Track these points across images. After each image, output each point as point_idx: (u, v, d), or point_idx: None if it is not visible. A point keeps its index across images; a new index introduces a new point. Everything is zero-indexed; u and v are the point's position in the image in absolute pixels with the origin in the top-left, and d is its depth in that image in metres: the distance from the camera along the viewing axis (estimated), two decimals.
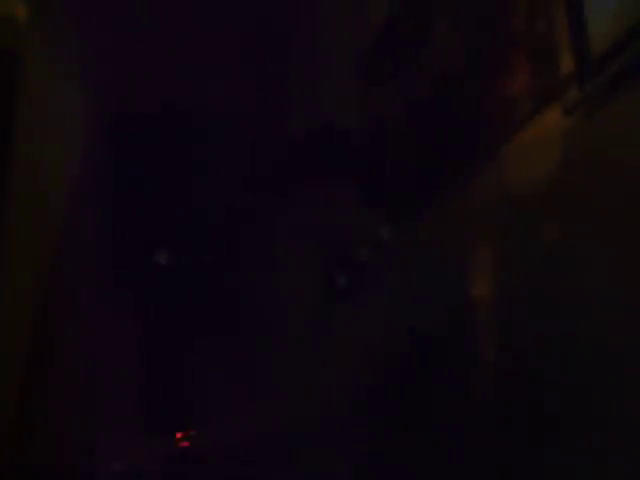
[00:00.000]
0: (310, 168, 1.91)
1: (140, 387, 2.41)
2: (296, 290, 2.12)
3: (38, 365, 2.47)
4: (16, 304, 2.47)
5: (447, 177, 2.19)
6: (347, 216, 1.95)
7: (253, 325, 2.45)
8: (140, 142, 2.59)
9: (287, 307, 2.31)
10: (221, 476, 1.61)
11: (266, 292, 2.40)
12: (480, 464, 1.78)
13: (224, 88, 2.93)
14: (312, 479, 1.80)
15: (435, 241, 2.19)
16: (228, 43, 3.05)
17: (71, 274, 2.59)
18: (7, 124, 2.63)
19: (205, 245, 2.49)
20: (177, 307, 2.42)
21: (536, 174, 1.77)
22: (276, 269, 2.45)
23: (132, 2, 2.93)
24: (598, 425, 1.54)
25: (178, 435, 1.68)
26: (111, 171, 2.62)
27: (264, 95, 2.85)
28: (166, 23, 2.97)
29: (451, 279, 1.97)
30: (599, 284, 1.53)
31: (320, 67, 3.02)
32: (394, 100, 2.46)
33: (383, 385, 1.76)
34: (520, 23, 1.84)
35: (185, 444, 1.67)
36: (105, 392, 2.39)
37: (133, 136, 2.61)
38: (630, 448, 1.42)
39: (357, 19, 2.81)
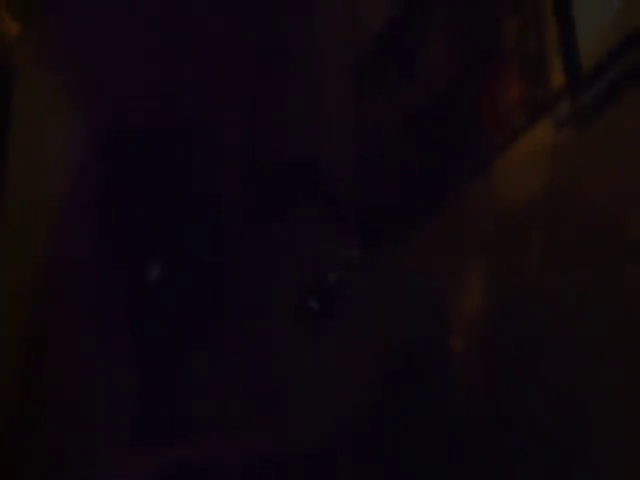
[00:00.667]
0: (285, 192, 1.93)
1: (135, 399, 2.44)
2: (278, 308, 2.15)
3: (34, 378, 2.47)
4: (12, 313, 2.51)
5: (436, 192, 2.21)
6: (318, 240, 1.97)
7: (241, 339, 2.47)
8: (133, 155, 2.63)
9: (270, 323, 2.35)
10: None
11: (251, 309, 2.41)
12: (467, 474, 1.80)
13: (215, 102, 2.96)
14: None
15: (420, 259, 2.20)
16: (225, 60, 3.08)
17: (67, 283, 2.61)
18: (2, 137, 2.70)
19: (195, 257, 2.51)
20: (171, 321, 2.44)
21: (527, 188, 1.79)
22: (260, 287, 2.47)
23: (122, 19, 2.95)
24: (585, 435, 1.56)
25: (173, 449, 1.65)
26: (105, 183, 2.66)
27: (256, 113, 2.87)
28: (159, 37, 3.00)
29: (434, 296, 1.99)
30: (588, 301, 1.56)
31: (313, 81, 3.04)
32: (387, 113, 2.49)
33: (368, 400, 1.78)
34: (512, 38, 1.85)
35: (181, 458, 1.61)
36: (101, 405, 2.41)
37: (127, 149, 2.65)
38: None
39: (352, 29, 2.85)
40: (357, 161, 2.59)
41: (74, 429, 2.33)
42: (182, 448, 1.63)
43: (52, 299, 2.58)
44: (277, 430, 1.74)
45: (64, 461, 2.19)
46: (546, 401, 1.68)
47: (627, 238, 1.46)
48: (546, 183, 1.72)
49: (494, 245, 1.94)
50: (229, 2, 3.04)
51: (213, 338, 2.51)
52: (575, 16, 1.62)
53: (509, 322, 1.85)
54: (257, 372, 2.39)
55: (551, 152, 1.71)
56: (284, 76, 2.98)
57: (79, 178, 2.68)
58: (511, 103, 1.85)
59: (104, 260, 2.55)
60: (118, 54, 2.91)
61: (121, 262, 2.51)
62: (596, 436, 1.50)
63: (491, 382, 1.86)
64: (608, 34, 1.50)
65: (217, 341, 2.52)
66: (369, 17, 2.68)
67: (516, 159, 1.84)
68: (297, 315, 1.89)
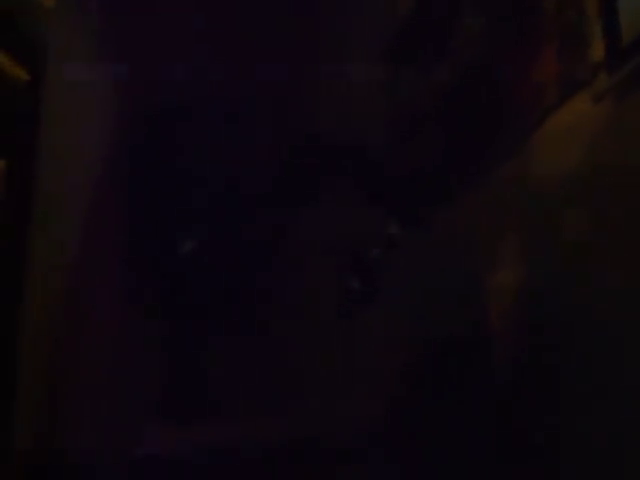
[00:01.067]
0: (323, 173, 1.92)
1: (164, 376, 2.47)
2: (312, 292, 2.14)
3: (68, 351, 2.51)
4: (44, 292, 2.56)
5: (476, 163, 2.20)
6: (358, 219, 1.95)
7: (272, 324, 2.48)
8: (161, 132, 2.64)
9: (303, 308, 2.35)
10: (240, 470, 1.63)
11: (284, 292, 2.40)
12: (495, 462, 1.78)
13: (243, 84, 2.90)
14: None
15: (456, 237, 2.22)
16: (251, 38, 3.05)
17: (99, 267, 2.64)
18: (34, 110, 2.78)
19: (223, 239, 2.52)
20: (201, 299, 2.48)
21: (564, 164, 1.79)
22: (293, 271, 2.47)
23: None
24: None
25: (200, 426, 1.72)
26: (133, 159, 2.70)
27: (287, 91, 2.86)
28: (188, 18, 3.00)
29: (470, 274, 1.98)
30: (620, 281, 1.56)
31: (346, 61, 3.02)
32: (421, 89, 2.51)
33: (403, 389, 1.77)
34: (550, 10, 1.84)
35: (207, 435, 1.68)
36: (128, 379, 2.44)
37: (155, 126, 2.66)
38: None
39: (386, 8, 2.81)
40: (392, 140, 2.56)
41: (102, 404, 2.37)
42: (213, 428, 1.72)
43: (85, 283, 2.62)
44: (306, 415, 1.80)
45: (101, 440, 2.22)
46: (577, 384, 1.66)
47: None
48: (584, 159, 1.72)
49: (528, 224, 1.94)
50: None
51: (246, 320, 2.52)
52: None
53: (541, 303, 1.84)
54: (291, 355, 2.41)
55: (589, 126, 1.71)
56: (317, 56, 2.99)
57: (112, 156, 2.73)
58: (548, 76, 1.85)
59: (135, 243, 2.59)
60: (147, 28, 2.93)
61: (152, 245, 2.54)
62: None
63: (522, 363, 1.86)
64: None
65: (251, 323, 2.54)
66: None
67: (553, 134, 1.84)
68: (339, 296, 1.92)
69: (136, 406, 2.30)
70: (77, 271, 2.64)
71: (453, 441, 1.80)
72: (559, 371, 1.74)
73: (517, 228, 2.00)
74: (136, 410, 2.27)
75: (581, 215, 1.72)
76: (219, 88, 2.89)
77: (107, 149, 2.75)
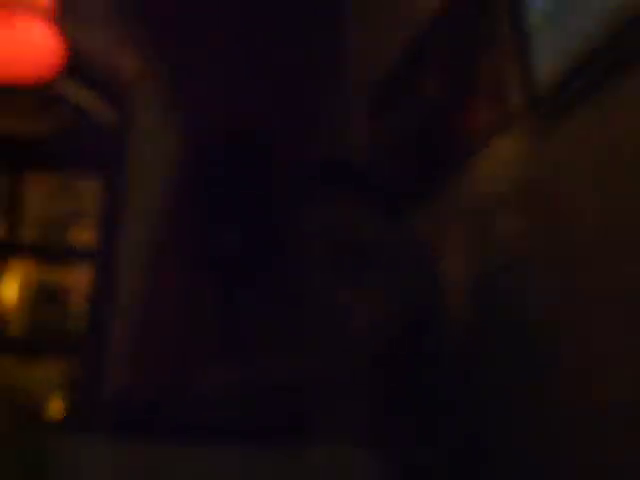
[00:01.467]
0: (332, 182, 2.04)
1: (212, 330, 2.56)
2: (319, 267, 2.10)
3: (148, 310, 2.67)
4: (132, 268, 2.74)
5: (431, 184, 2.21)
6: (353, 215, 2.03)
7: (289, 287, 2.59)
8: (216, 161, 2.69)
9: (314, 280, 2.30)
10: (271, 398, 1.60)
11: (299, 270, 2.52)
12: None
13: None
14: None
15: (425, 229, 2.16)
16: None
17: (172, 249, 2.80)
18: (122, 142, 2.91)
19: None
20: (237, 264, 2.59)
21: (497, 182, 1.84)
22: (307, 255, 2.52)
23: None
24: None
25: (242, 368, 1.70)
26: (200, 177, 2.77)
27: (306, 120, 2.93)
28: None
29: (434, 258, 1.95)
30: (542, 277, 1.63)
31: (345, 97, 3.03)
32: (395, 125, 2.53)
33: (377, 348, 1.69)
34: (488, 72, 1.90)
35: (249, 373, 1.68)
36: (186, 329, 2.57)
37: (210, 156, 2.72)
38: None
39: (375, 58, 2.80)
40: (380, 157, 2.59)
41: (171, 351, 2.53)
42: (248, 368, 1.70)
43: (159, 262, 2.75)
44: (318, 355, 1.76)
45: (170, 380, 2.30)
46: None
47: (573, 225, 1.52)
48: (511, 178, 1.78)
49: (476, 223, 1.96)
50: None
51: (275, 284, 2.64)
52: (533, 58, 1.66)
53: (484, 284, 1.89)
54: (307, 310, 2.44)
55: (515, 155, 1.77)
56: (320, 92, 3.05)
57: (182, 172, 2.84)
58: (486, 118, 1.90)
59: (195, 234, 2.71)
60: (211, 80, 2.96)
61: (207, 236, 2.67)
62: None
63: (477, 333, 1.86)
64: (557, 70, 1.55)
65: (278, 286, 2.65)
66: (388, 50, 2.61)
67: (491, 159, 1.88)
68: (336, 271, 1.95)
69: (194, 353, 2.43)
70: (153, 253, 2.76)
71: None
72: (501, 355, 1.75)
73: (461, 231, 2.04)
74: (194, 356, 2.39)
75: (509, 221, 1.78)
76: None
77: (174, 176, 2.88)
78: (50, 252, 5.29)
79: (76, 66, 2.63)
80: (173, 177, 2.83)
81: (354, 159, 2.14)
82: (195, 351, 2.43)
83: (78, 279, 6.83)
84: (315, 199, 1.98)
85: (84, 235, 6.83)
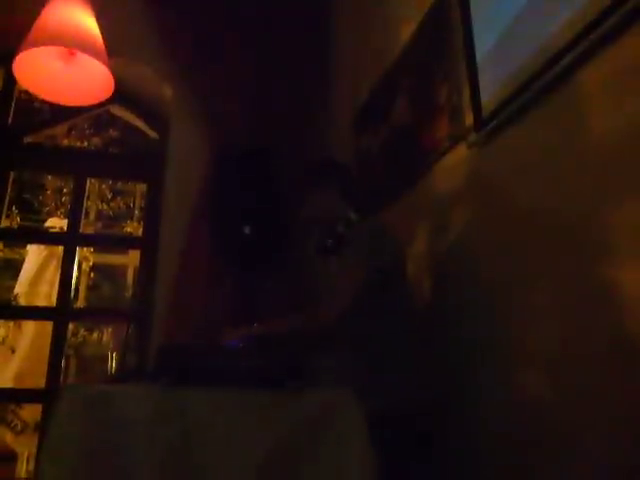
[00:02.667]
0: (316, 183, 2.03)
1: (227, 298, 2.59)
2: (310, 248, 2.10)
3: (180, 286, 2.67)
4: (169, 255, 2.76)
5: (401, 184, 2.20)
6: (334, 208, 2.03)
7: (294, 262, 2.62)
8: (233, 168, 2.68)
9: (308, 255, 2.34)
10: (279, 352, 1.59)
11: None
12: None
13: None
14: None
15: (393, 220, 2.15)
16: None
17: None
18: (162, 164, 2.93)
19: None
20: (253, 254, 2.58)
21: (451, 183, 1.87)
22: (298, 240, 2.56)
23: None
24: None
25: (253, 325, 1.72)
26: (218, 186, 2.75)
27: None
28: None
29: (400, 242, 1.85)
30: (489, 257, 1.64)
31: (330, 117, 3.07)
32: (373, 141, 2.50)
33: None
34: (443, 97, 1.92)
35: (258, 331, 1.70)
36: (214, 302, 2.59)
37: (230, 172, 2.70)
38: None
39: (354, 87, 2.82)
40: (357, 163, 2.60)
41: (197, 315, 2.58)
42: (260, 326, 1.71)
43: (191, 248, 2.76)
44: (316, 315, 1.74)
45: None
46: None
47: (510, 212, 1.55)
48: (462, 180, 1.81)
49: (432, 213, 1.99)
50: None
51: (279, 263, 2.65)
52: (480, 84, 1.70)
53: (440, 260, 1.91)
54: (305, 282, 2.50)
55: (465, 161, 1.80)
56: (316, 119, 3.04)
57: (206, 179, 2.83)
58: (443, 133, 1.92)
59: (220, 227, 2.70)
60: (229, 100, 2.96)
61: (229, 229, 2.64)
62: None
63: (440, 297, 1.87)
64: (498, 96, 1.59)
65: (282, 263, 2.65)
66: (366, 83, 2.62)
67: (445, 165, 1.92)
68: (319, 250, 1.94)
69: (219, 317, 2.48)
70: (186, 241, 2.76)
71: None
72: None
73: (424, 224, 2.04)
74: (219, 320, 2.43)
75: (461, 213, 1.81)
76: None
77: (201, 175, 2.87)
78: (109, 240, 5.34)
79: (124, 93, 2.68)
80: (201, 179, 2.84)
81: (340, 164, 2.09)
82: (219, 316, 2.47)
83: (131, 261, 6.95)
84: (310, 188, 1.95)
85: (135, 227, 6.95)
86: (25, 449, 3.75)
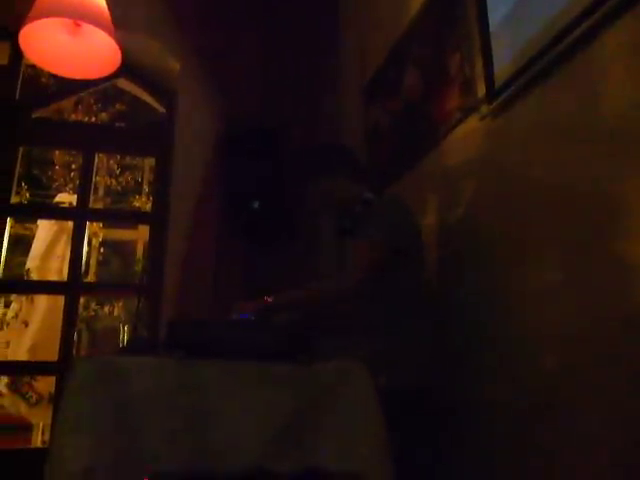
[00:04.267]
0: (328, 164, 2.01)
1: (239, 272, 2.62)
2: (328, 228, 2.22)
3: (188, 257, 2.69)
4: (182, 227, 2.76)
5: (412, 158, 2.18)
6: (348, 189, 2.01)
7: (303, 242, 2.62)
8: (242, 150, 2.68)
9: (322, 237, 2.44)
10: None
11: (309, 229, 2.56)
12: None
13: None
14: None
15: (405, 195, 2.03)
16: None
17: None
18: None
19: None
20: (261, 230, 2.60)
21: (462, 155, 1.87)
22: (315, 219, 2.57)
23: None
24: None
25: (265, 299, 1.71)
26: (224, 168, 2.76)
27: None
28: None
29: (412, 214, 1.80)
30: (497, 227, 1.65)
31: (340, 93, 3.01)
32: (383, 114, 2.48)
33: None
34: (455, 67, 1.90)
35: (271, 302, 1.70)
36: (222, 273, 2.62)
37: (238, 146, 2.71)
38: None
39: (364, 61, 2.77)
40: (366, 136, 2.59)
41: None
42: (270, 299, 1.71)
43: (200, 222, 2.77)
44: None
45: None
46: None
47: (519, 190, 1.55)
48: (474, 152, 1.80)
49: (443, 187, 1.98)
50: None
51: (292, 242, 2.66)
52: (493, 54, 1.68)
53: (451, 235, 1.91)
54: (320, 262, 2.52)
55: (477, 134, 1.78)
56: (321, 90, 3.00)
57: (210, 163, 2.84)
58: (454, 104, 1.91)
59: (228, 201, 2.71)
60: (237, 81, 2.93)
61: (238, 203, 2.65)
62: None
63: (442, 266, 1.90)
64: (511, 66, 1.57)
65: (293, 243, 2.65)
66: (374, 54, 2.60)
67: (457, 138, 1.90)
68: (338, 231, 1.97)
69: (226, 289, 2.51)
70: (195, 215, 2.77)
71: None
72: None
73: (434, 198, 2.04)
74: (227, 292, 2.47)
75: (471, 187, 1.79)
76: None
77: (210, 149, 2.86)
78: (118, 215, 5.36)
79: (130, 66, 2.66)
80: (209, 154, 2.84)
81: (348, 144, 2.07)
82: (226, 291, 2.49)
83: (140, 236, 6.98)
84: (318, 175, 1.92)
85: (144, 201, 6.96)
86: (40, 420, 3.87)
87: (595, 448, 1.22)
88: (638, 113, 1.17)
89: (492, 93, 1.67)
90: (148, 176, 7.17)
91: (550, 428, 1.36)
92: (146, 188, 7.23)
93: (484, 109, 1.72)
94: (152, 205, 3.37)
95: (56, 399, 2.72)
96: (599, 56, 1.29)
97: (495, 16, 1.69)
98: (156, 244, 2.92)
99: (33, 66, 2.34)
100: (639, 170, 1.18)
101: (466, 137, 1.85)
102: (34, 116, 3.03)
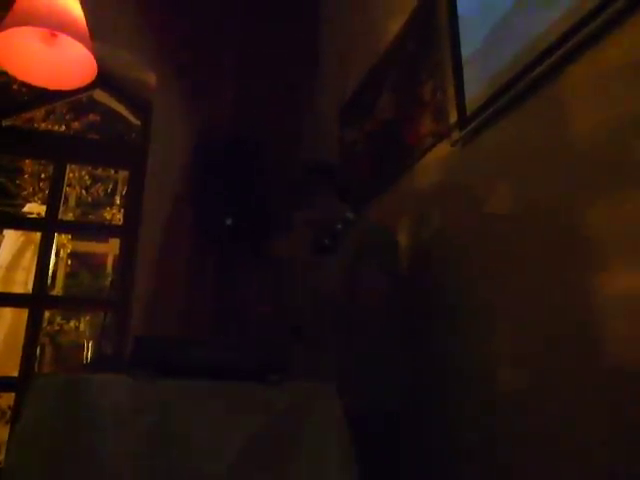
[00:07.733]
0: (312, 182, 2.02)
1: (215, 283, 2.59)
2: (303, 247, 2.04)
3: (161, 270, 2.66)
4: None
5: (386, 180, 2.20)
6: (330, 208, 2.04)
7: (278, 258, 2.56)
8: (216, 157, 2.68)
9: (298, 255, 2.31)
10: None
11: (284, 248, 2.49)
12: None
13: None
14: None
15: (380, 213, 2.19)
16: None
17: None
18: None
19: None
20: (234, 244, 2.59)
21: (433, 178, 1.89)
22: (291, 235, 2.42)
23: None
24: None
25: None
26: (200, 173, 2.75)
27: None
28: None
29: (387, 231, 1.85)
30: (468, 246, 1.67)
31: (319, 115, 3.05)
32: (359, 135, 2.51)
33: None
34: (428, 94, 1.94)
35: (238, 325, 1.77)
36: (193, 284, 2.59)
37: (213, 161, 2.70)
38: None
39: (342, 86, 2.79)
40: (342, 157, 2.63)
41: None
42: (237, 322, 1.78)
43: (171, 235, 2.74)
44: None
45: None
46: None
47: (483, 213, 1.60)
48: (445, 178, 1.83)
49: (415, 209, 2.00)
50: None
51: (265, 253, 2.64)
52: (464, 82, 1.73)
53: (422, 255, 1.91)
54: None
55: (448, 159, 1.81)
56: (299, 107, 3.04)
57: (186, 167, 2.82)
58: (427, 130, 1.93)
59: (201, 217, 2.70)
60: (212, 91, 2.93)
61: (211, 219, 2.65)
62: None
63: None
64: (482, 95, 1.62)
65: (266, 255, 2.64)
66: (352, 77, 2.63)
67: (429, 162, 1.93)
68: (316, 249, 1.93)
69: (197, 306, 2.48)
70: (167, 230, 2.75)
71: None
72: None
73: (409, 215, 2.03)
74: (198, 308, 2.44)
75: (439, 208, 1.83)
76: None
77: (184, 164, 2.86)
78: (88, 227, 5.26)
79: (106, 77, 2.69)
80: (183, 168, 2.83)
81: (328, 162, 2.08)
82: (197, 307, 2.47)
83: (110, 249, 6.86)
84: (299, 192, 1.94)
85: (115, 213, 6.85)
86: None
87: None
88: (601, 139, 1.22)
89: (463, 120, 1.71)
90: (121, 188, 7.08)
91: (518, 444, 1.36)
92: (117, 200, 7.14)
93: (455, 135, 1.75)
94: (123, 218, 3.34)
95: (13, 417, 2.64)
96: (564, 87, 1.34)
97: (468, 45, 1.74)
98: (126, 258, 2.89)
99: (4, 73, 2.29)
100: (600, 192, 1.22)
101: (438, 161, 1.88)
102: (4, 124, 2.99)
